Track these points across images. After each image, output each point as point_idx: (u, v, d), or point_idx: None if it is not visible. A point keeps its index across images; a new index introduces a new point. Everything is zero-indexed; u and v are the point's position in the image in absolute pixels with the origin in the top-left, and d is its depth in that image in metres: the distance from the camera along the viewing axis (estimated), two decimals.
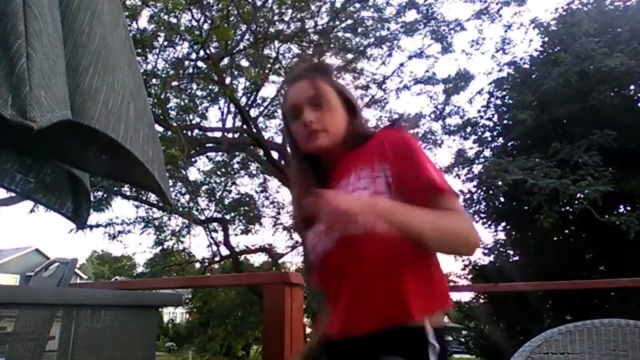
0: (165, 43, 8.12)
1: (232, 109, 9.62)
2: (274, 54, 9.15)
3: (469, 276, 11.46)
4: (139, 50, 7.36)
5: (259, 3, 8.71)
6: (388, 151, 1.05)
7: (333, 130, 1.11)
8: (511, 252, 11.60)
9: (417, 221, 0.94)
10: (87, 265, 38.85)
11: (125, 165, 1.40)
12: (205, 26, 8.15)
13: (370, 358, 0.95)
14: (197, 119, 9.67)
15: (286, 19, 8.82)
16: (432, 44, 9.30)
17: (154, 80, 7.80)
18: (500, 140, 10.94)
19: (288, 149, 1.27)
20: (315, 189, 1.02)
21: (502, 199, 10.54)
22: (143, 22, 11.16)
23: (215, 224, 10.92)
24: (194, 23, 8.21)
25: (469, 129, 10.50)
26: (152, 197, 9.09)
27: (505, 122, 10.53)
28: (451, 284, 11.27)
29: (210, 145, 9.87)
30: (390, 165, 1.03)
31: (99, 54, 1.17)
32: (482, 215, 11.10)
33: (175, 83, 8.38)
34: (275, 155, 9.42)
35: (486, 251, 11.38)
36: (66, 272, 2.10)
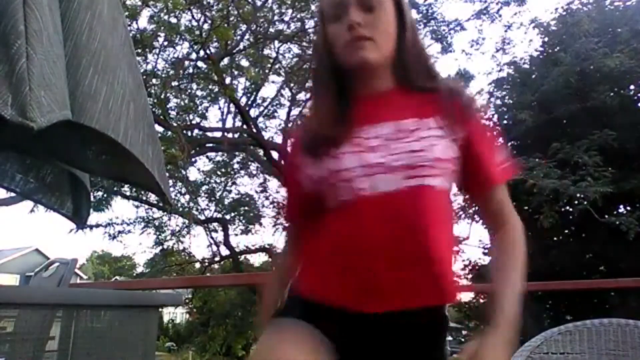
0: (165, 43, 8.12)
1: (232, 109, 9.63)
2: (274, 54, 9.16)
3: (469, 276, 11.47)
4: (139, 50, 7.36)
5: (259, 3, 8.71)
6: (467, 117, 0.92)
7: (383, 43, 0.90)
8: None
9: (516, 302, 0.88)
10: (87, 265, 38.83)
11: (125, 165, 1.40)
12: (205, 26, 8.15)
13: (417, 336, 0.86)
14: (197, 119, 9.69)
15: (286, 19, 8.83)
16: (432, 44, 9.31)
17: (154, 80, 7.80)
18: (500, 140, 10.94)
19: (314, 60, 1.01)
20: (343, 113, 0.90)
21: None
22: (143, 22, 11.18)
23: (215, 224, 10.93)
24: (194, 23, 8.22)
25: None
26: (152, 197, 9.10)
27: (505, 122, 10.53)
28: None
29: (210, 145, 9.87)
30: (467, 133, 0.91)
31: (99, 54, 1.17)
32: None
33: (175, 83, 8.38)
34: (275, 155, 9.42)
35: (486, 251, 11.38)
36: (66, 272, 2.10)
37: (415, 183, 0.84)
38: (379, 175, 0.84)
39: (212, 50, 8.59)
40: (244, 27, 8.75)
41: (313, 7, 8.82)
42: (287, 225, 1.13)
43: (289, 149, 1.09)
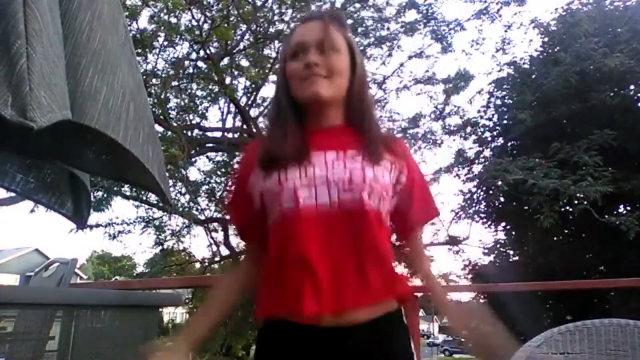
0: (165, 43, 8.12)
1: (232, 109, 9.62)
2: (274, 54, 9.14)
3: (469, 276, 11.46)
4: (139, 50, 7.36)
5: (259, 3, 8.71)
6: (409, 160, 1.07)
7: (336, 83, 1.00)
8: (511, 252, 11.60)
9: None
10: (87, 265, 38.80)
11: (125, 165, 1.40)
12: (205, 26, 8.15)
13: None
14: (197, 119, 9.67)
15: (286, 19, 8.82)
16: (432, 44, 9.30)
17: (154, 80, 7.80)
18: (500, 140, 10.93)
19: (274, 93, 1.10)
20: (297, 137, 0.99)
21: (502, 199, 10.53)
22: (143, 22, 11.18)
23: (215, 224, 10.92)
24: (194, 23, 8.21)
25: (469, 129, 10.49)
26: (152, 197, 9.09)
27: (505, 122, 10.53)
28: (451, 283, 11.29)
29: (210, 145, 9.87)
30: (408, 171, 1.05)
31: (99, 54, 1.17)
32: (482, 215, 11.09)
33: (175, 83, 8.38)
34: None
35: (486, 251, 11.38)
36: (66, 272, 2.10)
37: (350, 197, 0.93)
38: (320, 187, 0.94)
39: (212, 50, 8.58)
40: (244, 27, 8.75)
41: (313, 7, 8.82)
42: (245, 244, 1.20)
43: (239, 169, 1.16)
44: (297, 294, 0.90)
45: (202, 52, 8.32)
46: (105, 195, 8.53)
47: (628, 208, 8.61)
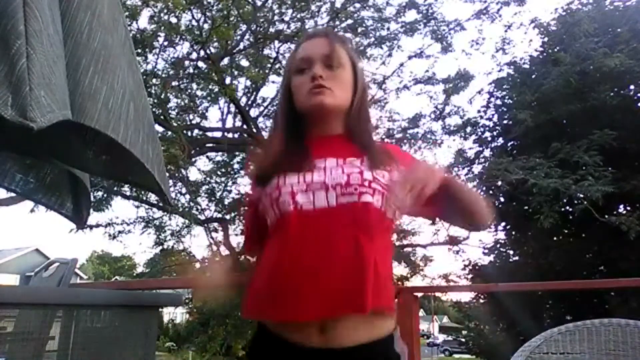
0: (165, 43, 8.12)
1: (232, 109, 9.63)
2: (274, 54, 9.15)
3: (469, 276, 11.45)
4: (139, 50, 7.36)
5: (259, 3, 8.71)
6: (403, 158, 1.10)
7: (339, 95, 1.06)
8: (511, 252, 11.59)
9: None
10: (87, 265, 38.85)
11: (125, 165, 1.40)
12: (206, 26, 8.15)
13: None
14: (197, 119, 9.68)
15: (286, 19, 8.83)
16: (432, 44, 9.30)
17: (154, 80, 7.80)
18: (500, 140, 10.93)
19: (277, 106, 1.18)
20: (298, 145, 1.04)
21: (502, 199, 10.53)
22: (143, 22, 11.18)
23: (215, 224, 10.92)
24: (194, 23, 8.21)
25: (469, 129, 10.49)
26: (152, 197, 9.09)
27: (505, 122, 10.52)
28: (451, 283, 11.29)
29: (210, 145, 9.87)
30: (404, 165, 1.08)
31: (99, 54, 1.17)
32: None
33: (175, 83, 8.38)
34: None
35: (486, 251, 11.38)
36: (66, 272, 2.10)
37: (349, 200, 0.94)
38: (317, 191, 0.96)
39: (212, 50, 8.58)
40: (244, 27, 8.75)
41: (313, 7, 8.82)
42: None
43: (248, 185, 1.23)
44: (294, 297, 0.90)
45: (202, 52, 8.32)
46: (105, 195, 8.54)
47: (628, 208, 8.61)
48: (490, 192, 10.29)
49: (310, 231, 0.93)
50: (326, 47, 1.07)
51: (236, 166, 11.03)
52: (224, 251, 11.25)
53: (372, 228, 0.95)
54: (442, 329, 44.58)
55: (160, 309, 2.43)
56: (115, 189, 8.38)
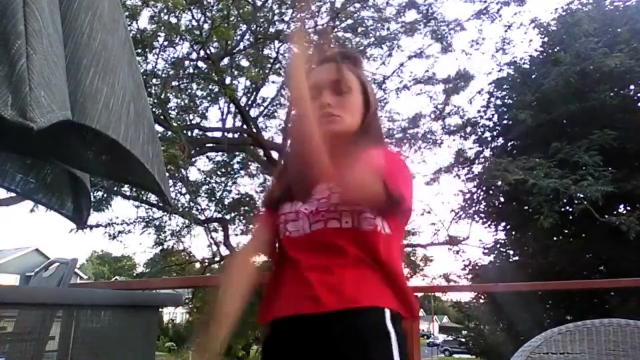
0: (165, 43, 8.12)
1: (232, 109, 9.63)
2: (274, 54, 9.15)
3: (469, 276, 11.45)
4: (139, 50, 7.36)
5: (259, 3, 8.71)
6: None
7: (349, 121, 1.08)
8: (511, 252, 11.58)
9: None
10: (87, 265, 38.84)
11: (125, 165, 1.40)
12: (205, 26, 8.15)
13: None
14: (197, 119, 9.68)
15: (286, 19, 8.82)
16: (432, 44, 9.31)
17: (154, 80, 7.81)
18: (500, 140, 10.93)
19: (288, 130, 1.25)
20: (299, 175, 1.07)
21: (502, 199, 10.53)
22: (143, 22, 11.17)
23: (215, 224, 10.92)
24: (194, 23, 8.22)
25: (469, 129, 10.49)
26: (152, 197, 9.08)
27: (505, 122, 10.52)
28: (451, 283, 11.29)
29: (210, 145, 9.87)
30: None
31: (100, 55, 1.17)
32: (482, 215, 11.10)
33: (175, 83, 8.38)
34: (275, 155, 9.42)
35: (486, 251, 11.37)
36: (66, 272, 2.10)
37: (318, 227, 1.02)
38: (300, 220, 1.04)
39: (212, 50, 8.59)
40: (244, 27, 8.75)
41: (313, 7, 8.81)
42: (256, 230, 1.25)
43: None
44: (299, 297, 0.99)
45: (202, 52, 8.32)
46: (105, 195, 8.54)
47: (628, 208, 8.61)
48: (490, 192, 10.30)
49: (302, 253, 1.03)
50: (334, 74, 1.09)
51: (236, 166, 11.03)
52: (224, 251, 11.27)
53: (347, 248, 1.00)
54: (442, 329, 44.58)
55: (160, 309, 2.43)
56: (115, 189, 8.38)
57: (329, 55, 1.18)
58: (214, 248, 11.44)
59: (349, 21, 9.07)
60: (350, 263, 0.99)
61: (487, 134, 11.13)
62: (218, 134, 9.94)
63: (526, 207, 8.87)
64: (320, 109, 1.06)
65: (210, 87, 9.32)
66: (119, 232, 9.94)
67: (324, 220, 1.02)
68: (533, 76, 10.08)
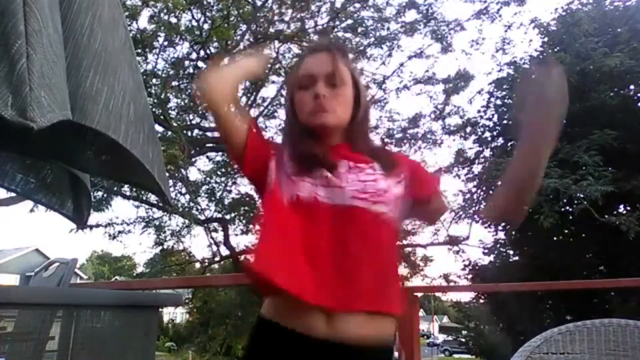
0: (165, 43, 8.13)
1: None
2: (274, 54, 9.15)
3: (469, 276, 11.45)
4: (139, 50, 7.37)
5: (259, 3, 8.71)
6: (402, 161, 1.14)
7: (341, 114, 1.09)
8: (511, 252, 11.58)
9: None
10: (87, 265, 38.83)
11: (125, 165, 1.40)
12: (205, 26, 8.16)
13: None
14: (197, 119, 9.67)
15: (286, 19, 8.83)
16: (432, 44, 9.31)
17: (154, 80, 7.81)
18: (500, 140, 10.93)
19: (285, 117, 1.22)
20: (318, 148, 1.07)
21: None
22: (143, 22, 11.18)
23: (215, 224, 10.92)
24: (194, 23, 8.22)
25: (469, 129, 10.49)
26: (152, 197, 9.09)
27: (505, 122, 10.52)
28: (451, 283, 11.29)
29: (210, 145, 9.87)
30: (407, 171, 1.12)
31: (100, 55, 1.17)
32: (482, 215, 11.09)
33: (175, 83, 8.38)
34: None
35: (486, 251, 11.37)
36: (66, 272, 2.10)
37: (364, 205, 1.00)
38: (336, 189, 1.01)
39: (212, 50, 8.59)
40: (244, 27, 8.75)
41: (313, 7, 8.82)
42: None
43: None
44: (300, 280, 0.91)
45: (202, 52, 8.33)
46: (105, 195, 8.54)
47: (628, 208, 8.61)
48: (490, 192, 10.29)
49: (326, 225, 0.98)
50: (329, 66, 1.09)
51: (236, 166, 11.02)
52: (224, 251, 11.27)
53: (380, 233, 1.00)
54: (442, 329, 44.57)
55: (160, 309, 2.43)
56: (115, 189, 8.38)
57: (320, 45, 1.18)
58: (214, 248, 11.45)
59: (349, 21, 9.07)
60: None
61: (487, 134, 11.13)
62: (218, 134, 9.93)
63: (526, 207, 8.86)
64: (314, 100, 1.07)
65: None
66: (119, 232, 9.94)
67: (372, 202, 1.00)
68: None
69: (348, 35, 9.19)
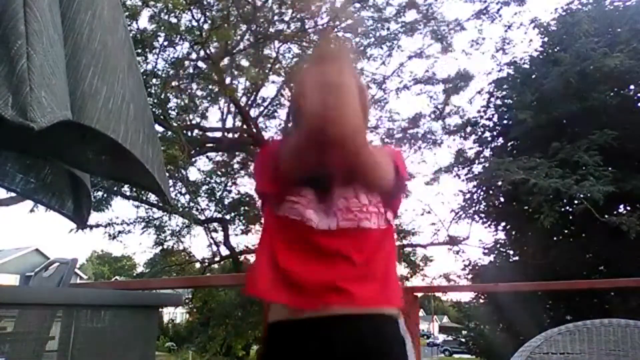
0: (165, 43, 8.12)
1: (232, 109, 9.63)
2: (274, 54, 9.15)
3: (469, 276, 11.45)
4: (139, 50, 7.37)
5: (259, 3, 8.71)
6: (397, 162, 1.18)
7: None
8: (511, 252, 11.58)
9: None
10: (87, 265, 38.83)
11: (125, 165, 1.40)
12: (205, 26, 8.15)
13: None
14: (197, 119, 9.68)
15: (286, 19, 8.82)
16: (432, 44, 9.31)
17: (154, 80, 7.81)
18: (500, 140, 10.93)
19: (291, 120, 1.25)
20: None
21: (502, 199, 10.52)
22: (143, 22, 11.18)
23: (215, 224, 10.92)
24: (194, 23, 8.22)
25: (469, 129, 10.49)
26: (152, 197, 9.09)
27: (505, 122, 10.52)
28: (451, 283, 11.29)
29: (210, 145, 9.87)
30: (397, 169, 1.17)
31: (100, 55, 1.17)
32: (482, 215, 11.09)
33: (175, 83, 8.39)
34: None
35: (486, 251, 11.36)
36: (66, 272, 2.10)
37: (350, 225, 1.04)
38: (321, 213, 1.05)
39: (212, 50, 8.59)
40: (244, 27, 8.75)
41: (313, 7, 8.82)
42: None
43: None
44: (294, 287, 1.00)
45: (202, 52, 8.33)
46: (105, 195, 8.54)
47: (628, 208, 8.61)
48: (490, 192, 10.30)
49: (321, 241, 1.04)
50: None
51: (236, 166, 11.04)
52: (224, 251, 11.27)
53: (370, 244, 1.06)
54: (442, 329, 44.57)
55: (160, 309, 2.43)
56: (115, 189, 8.38)
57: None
58: (214, 248, 11.45)
59: (349, 21, 9.07)
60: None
61: (487, 134, 11.12)
62: (218, 134, 9.95)
63: (526, 207, 8.86)
64: None
65: (210, 87, 9.32)
66: (119, 232, 9.95)
67: (356, 220, 1.05)
68: (533, 76, 10.07)
69: (348, 35, 9.20)
